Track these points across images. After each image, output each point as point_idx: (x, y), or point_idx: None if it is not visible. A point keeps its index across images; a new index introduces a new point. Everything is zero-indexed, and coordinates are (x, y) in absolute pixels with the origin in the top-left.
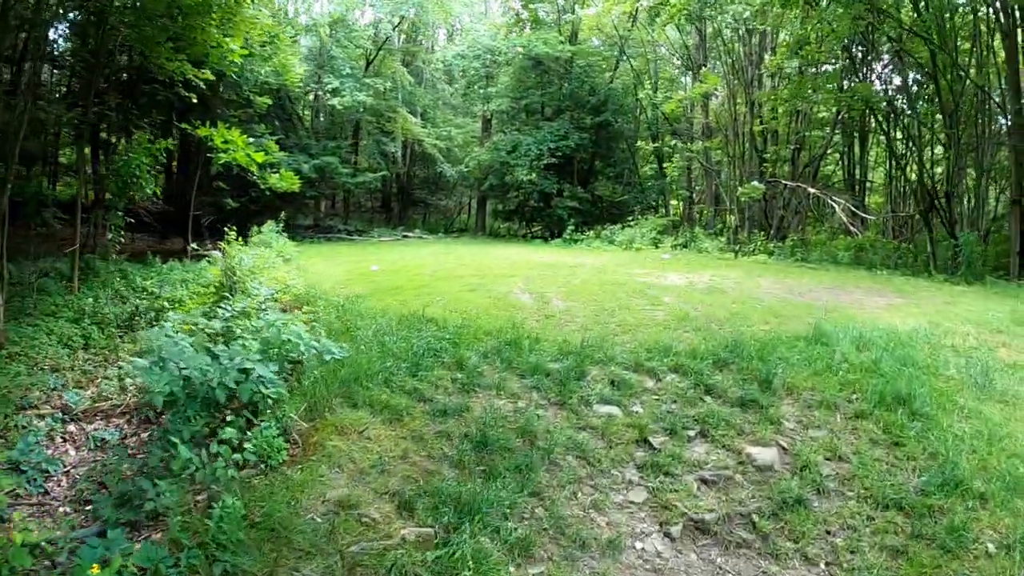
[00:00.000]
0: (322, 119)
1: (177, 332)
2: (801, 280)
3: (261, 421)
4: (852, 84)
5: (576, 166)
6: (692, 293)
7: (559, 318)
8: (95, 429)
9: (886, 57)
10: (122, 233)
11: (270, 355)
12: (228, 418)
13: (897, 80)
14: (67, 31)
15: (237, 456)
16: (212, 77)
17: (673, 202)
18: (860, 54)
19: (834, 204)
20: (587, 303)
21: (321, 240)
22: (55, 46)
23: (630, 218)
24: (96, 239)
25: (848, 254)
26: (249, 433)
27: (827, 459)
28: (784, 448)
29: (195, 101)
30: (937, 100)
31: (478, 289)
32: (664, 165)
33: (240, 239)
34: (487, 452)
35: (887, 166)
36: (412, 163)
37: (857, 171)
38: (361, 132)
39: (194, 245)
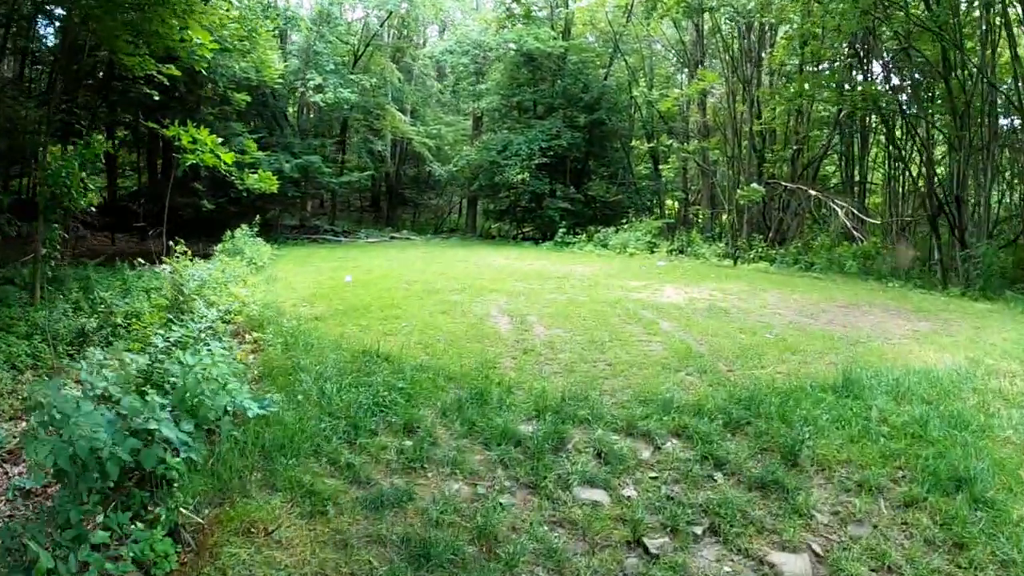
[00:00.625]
0: (310, 116)
1: (100, 370)
2: (810, 296)
3: (156, 506)
4: (855, 83)
5: (569, 165)
6: (692, 316)
7: (539, 353)
8: (19, 474)
9: (886, 55)
10: (57, 248)
11: (187, 407)
12: (126, 497)
13: (895, 79)
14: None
15: (111, 567)
16: (178, 73)
17: (668, 202)
18: (862, 51)
19: (836, 208)
20: (573, 330)
21: (305, 241)
22: (42, 43)
23: (624, 221)
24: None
25: (855, 263)
26: (135, 527)
27: (873, 571)
28: (817, 554)
29: (157, 99)
30: (948, 99)
31: (453, 310)
32: (660, 166)
33: (219, 242)
34: (429, 567)
35: (886, 168)
36: (401, 162)
37: (856, 172)
38: (349, 130)
39: (183, 249)
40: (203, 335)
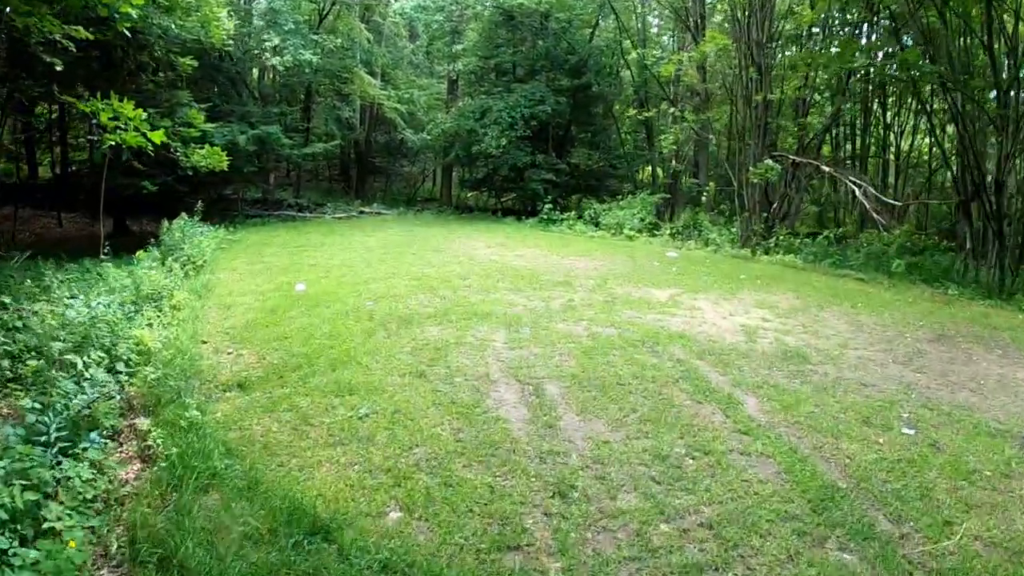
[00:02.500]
0: (274, 81)
1: None
2: (882, 319)
3: None
4: (892, 50)
5: (551, 132)
6: (770, 375)
7: (586, 497)
8: None
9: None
10: None
11: None
12: None
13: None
14: None
15: None
16: (90, 36)
17: (659, 172)
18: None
19: (853, 187)
20: (622, 424)
21: (266, 219)
22: None
23: (609, 191)
24: None
25: (901, 262)
26: None
27: None
28: None
29: (60, 68)
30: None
31: (434, 366)
32: (661, 137)
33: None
34: None
35: (910, 144)
36: (371, 128)
37: (872, 148)
38: (314, 96)
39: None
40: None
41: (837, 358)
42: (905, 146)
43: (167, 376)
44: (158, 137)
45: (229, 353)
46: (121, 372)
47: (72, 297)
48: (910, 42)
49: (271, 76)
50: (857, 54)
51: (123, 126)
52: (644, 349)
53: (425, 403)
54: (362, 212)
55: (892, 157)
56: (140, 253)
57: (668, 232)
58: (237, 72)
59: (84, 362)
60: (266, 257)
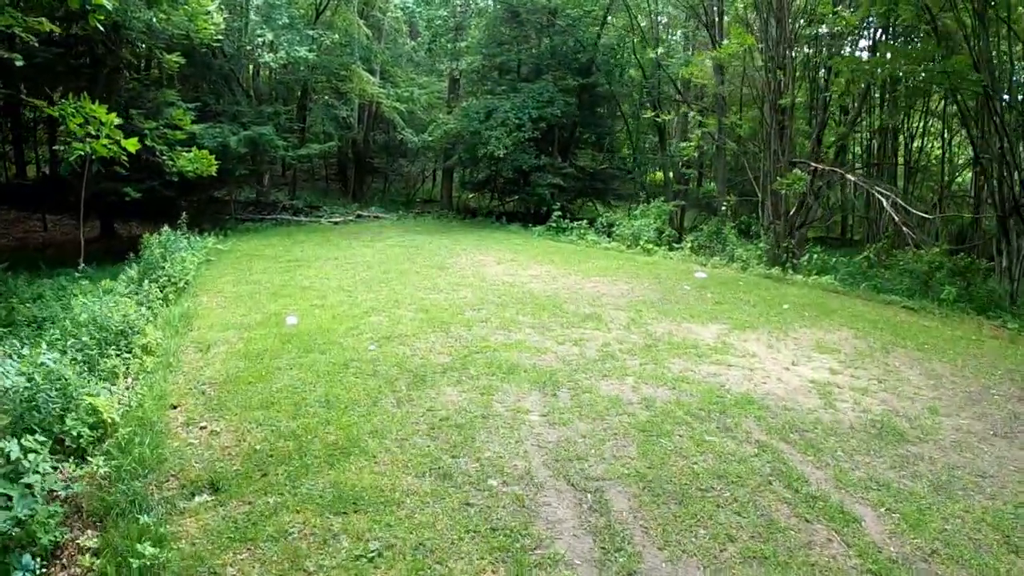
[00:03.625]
0: (270, 78)
1: None
2: (963, 373)
3: None
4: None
5: (556, 134)
6: (877, 467)
7: None
8: None
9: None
10: None
11: None
12: None
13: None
14: None
15: None
16: (57, 29)
17: (671, 177)
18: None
19: (880, 198)
20: (716, 561)
21: (259, 224)
22: None
23: (630, 204)
24: None
25: (952, 289)
26: None
27: None
28: None
29: (20, 64)
30: None
31: (460, 459)
32: (682, 144)
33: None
34: None
35: (940, 156)
36: (370, 128)
37: (899, 155)
38: (310, 95)
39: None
40: None
41: (933, 432)
42: (931, 153)
43: (122, 471)
44: (132, 145)
45: (202, 427)
46: (68, 461)
47: (12, 356)
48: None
49: (268, 73)
50: (903, 61)
51: (94, 133)
52: (712, 424)
53: (455, 530)
54: (359, 216)
55: (901, 162)
56: (106, 283)
57: (689, 246)
58: (230, 70)
59: (21, 445)
60: (255, 274)
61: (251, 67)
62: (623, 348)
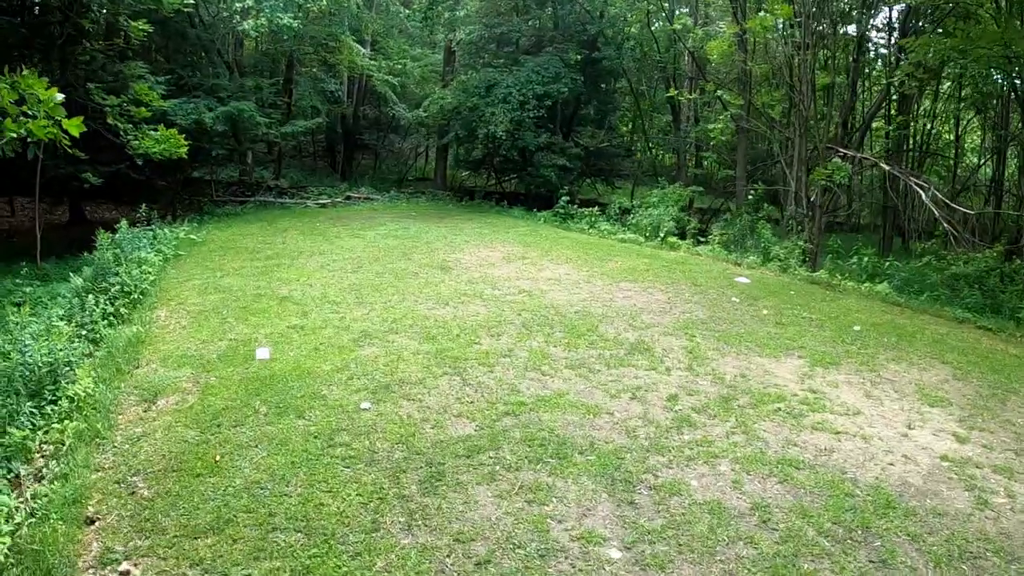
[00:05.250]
0: (256, 49)
1: None
2: None
3: None
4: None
5: (559, 111)
6: None
7: None
8: None
9: None
10: None
11: None
12: None
13: None
14: None
15: None
16: None
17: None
18: None
19: (918, 189)
20: None
21: (239, 209)
22: None
23: (640, 187)
24: None
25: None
26: None
27: None
28: None
29: None
30: None
31: None
32: (709, 126)
33: None
34: None
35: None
36: (359, 102)
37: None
38: (296, 67)
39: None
40: None
41: None
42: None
43: None
44: (75, 127)
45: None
46: None
47: None
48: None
49: (254, 44)
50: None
51: (31, 112)
52: (861, 554)
53: None
54: (349, 198)
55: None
56: (37, 309)
57: (717, 238)
58: (211, 39)
59: None
60: (228, 276)
61: (231, 37)
62: (696, 404)
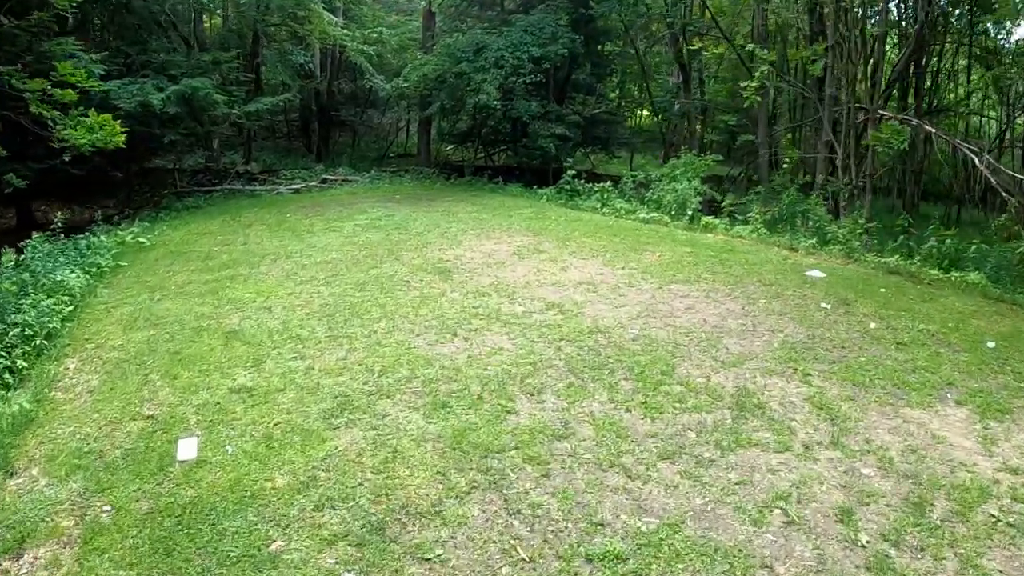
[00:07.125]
0: (224, 24)
1: None
2: None
3: None
4: None
5: (553, 75)
6: None
7: None
8: None
9: None
10: None
11: None
12: None
13: None
14: None
15: None
16: None
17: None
18: None
19: (971, 154)
20: None
21: (203, 200)
22: None
23: (620, 145)
24: None
25: None
26: None
27: None
28: None
29: None
30: None
31: None
32: (743, 83)
33: None
34: None
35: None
36: (334, 76)
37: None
38: (262, 40)
39: None
40: None
41: None
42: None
43: None
44: None
45: None
46: None
47: None
48: None
49: (221, 21)
50: None
51: None
52: None
53: None
54: (325, 180)
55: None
56: None
57: (759, 218)
58: (162, 12)
59: None
60: (167, 299)
61: (191, 12)
62: (884, 526)
